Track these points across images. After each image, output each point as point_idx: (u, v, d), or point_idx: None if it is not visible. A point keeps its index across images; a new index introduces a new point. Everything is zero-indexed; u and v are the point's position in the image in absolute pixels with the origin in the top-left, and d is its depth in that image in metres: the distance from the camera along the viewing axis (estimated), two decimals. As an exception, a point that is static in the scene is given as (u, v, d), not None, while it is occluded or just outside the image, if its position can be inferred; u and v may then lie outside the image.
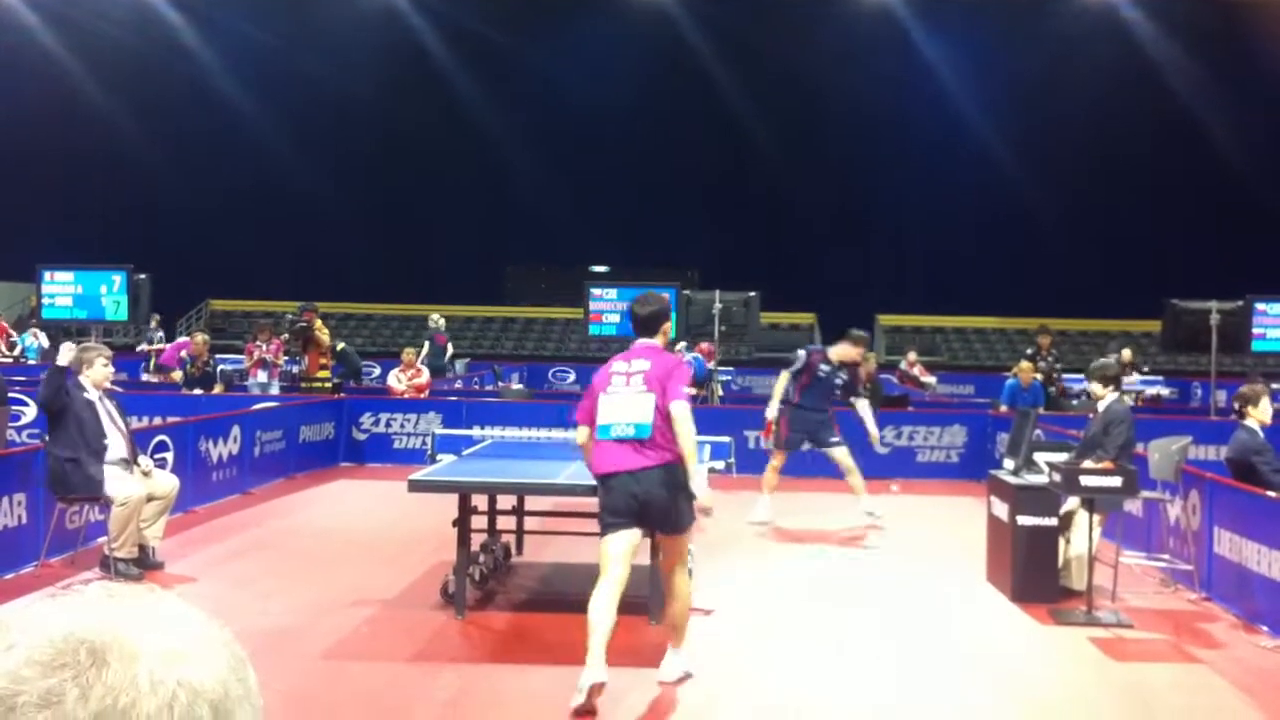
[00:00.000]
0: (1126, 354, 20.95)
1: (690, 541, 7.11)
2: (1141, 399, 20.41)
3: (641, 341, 7.05)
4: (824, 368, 12.75)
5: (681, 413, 6.64)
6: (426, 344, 22.34)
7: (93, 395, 9.44)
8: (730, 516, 11.72)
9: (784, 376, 12.94)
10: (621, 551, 6.72)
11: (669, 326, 7.18)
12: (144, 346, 22.94)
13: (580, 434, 7.06)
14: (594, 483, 7.22)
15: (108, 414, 9.49)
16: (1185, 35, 31.82)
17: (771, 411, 12.83)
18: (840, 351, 13.07)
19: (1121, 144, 31.87)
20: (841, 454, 12.76)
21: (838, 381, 12.83)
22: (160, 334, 22.58)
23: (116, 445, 9.46)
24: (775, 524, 12.37)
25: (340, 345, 20.78)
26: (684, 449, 6.68)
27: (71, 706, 0.89)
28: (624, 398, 6.76)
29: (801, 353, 13.10)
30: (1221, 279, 21.30)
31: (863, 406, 13.01)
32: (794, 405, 12.74)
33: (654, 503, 6.68)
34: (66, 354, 9.36)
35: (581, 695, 6.33)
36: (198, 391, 17.27)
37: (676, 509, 6.75)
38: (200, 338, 18.42)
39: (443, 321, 23.96)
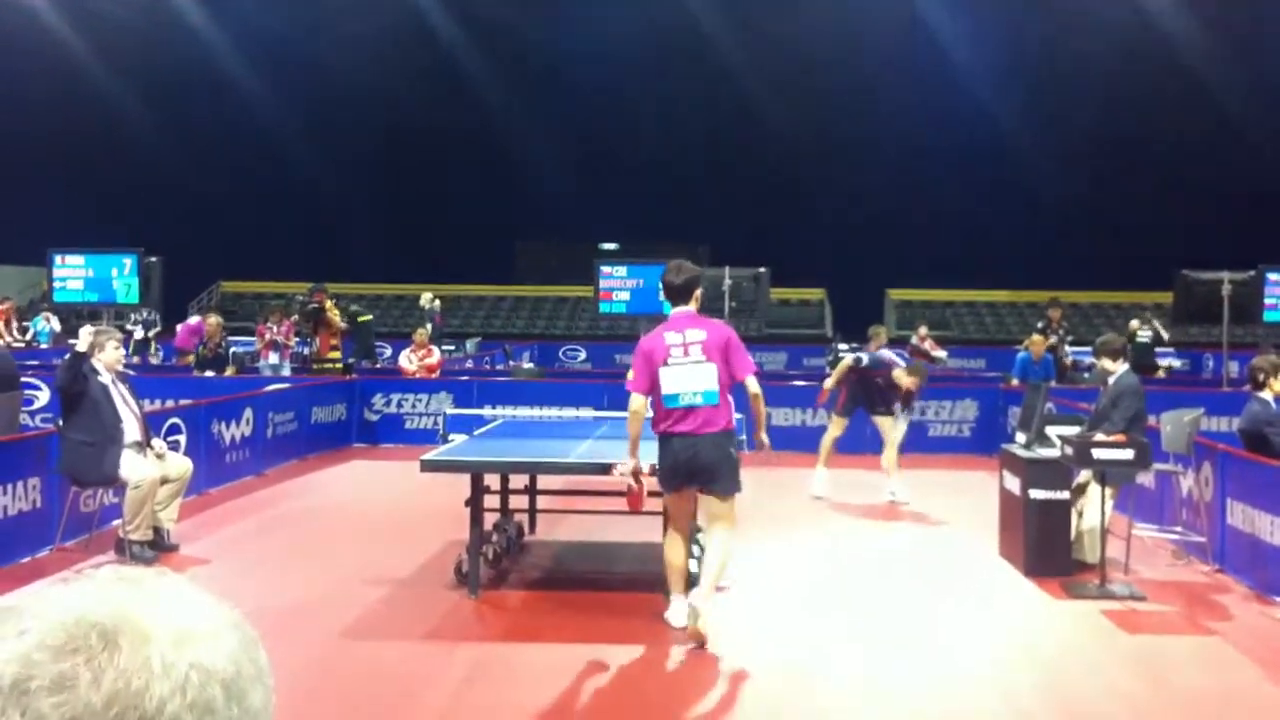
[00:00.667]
0: (1134, 324, 20.90)
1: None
2: (1168, 371, 20.40)
3: (680, 310, 7.38)
4: (879, 381, 12.71)
5: (756, 387, 7.34)
6: (429, 326, 22.25)
7: (106, 379, 9.46)
8: (745, 493, 11.72)
9: (849, 361, 12.91)
10: (685, 509, 7.50)
11: (700, 292, 7.48)
12: (131, 328, 23.02)
13: (638, 401, 7.35)
14: (605, 462, 7.79)
15: (120, 397, 9.50)
16: (1196, 4, 31.60)
17: (829, 382, 13.11)
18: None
19: (1132, 115, 31.74)
20: (889, 423, 12.72)
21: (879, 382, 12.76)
22: (155, 316, 22.14)
23: (130, 428, 9.49)
24: (832, 498, 12.54)
25: (366, 317, 20.81)
26: (759, 416, 7.43)
27: (84, 690, 0.90)
28: (688, 369, 7.18)
29: (867, 359, 12.86)
30: (1233, 249, 21.22)
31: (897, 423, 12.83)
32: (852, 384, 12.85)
33: (705, 463, 7.15)
34: (85, 338, 9.38)
35: (683, 621, 7.29)
36: (209, 373, 17.32)
37: (725, 472, 7.23)
38: (214, 320, 18.45)
39: (438, 302, 23.73)
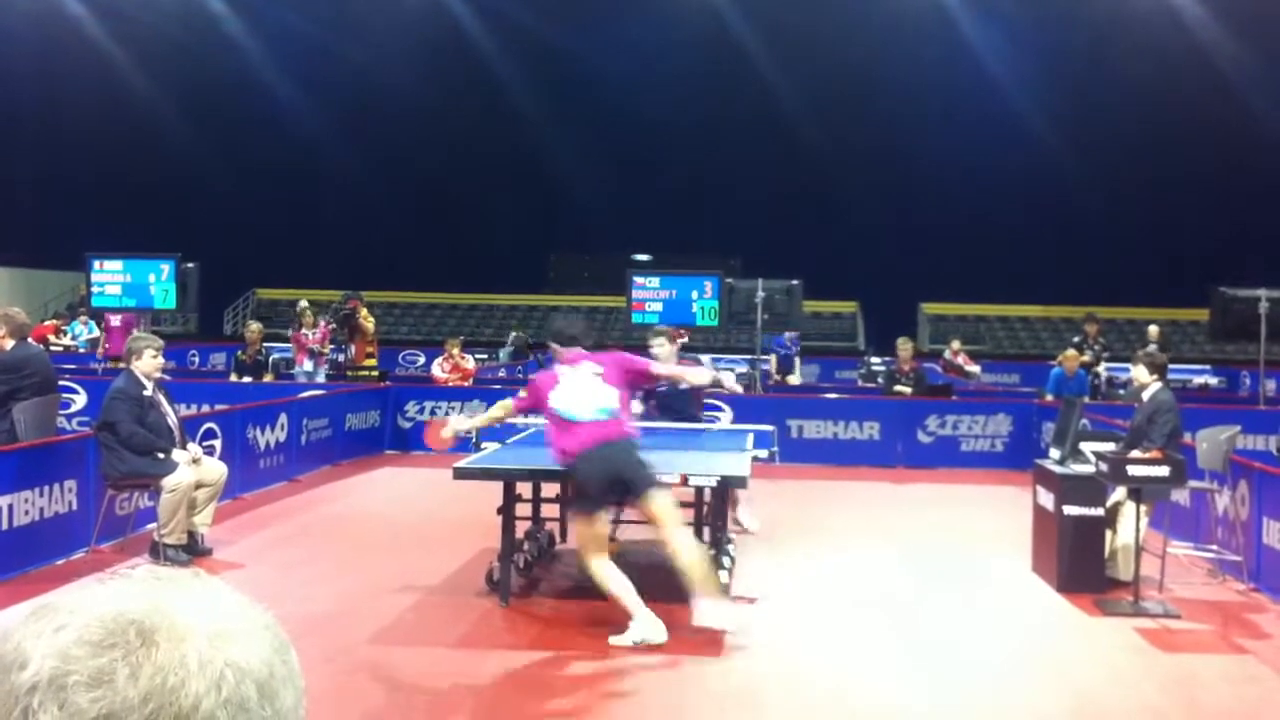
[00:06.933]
0: (1153, 330, 20.79)
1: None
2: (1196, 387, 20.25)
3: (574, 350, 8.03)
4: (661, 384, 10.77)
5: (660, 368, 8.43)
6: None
7: (149, 388, 9.49)
8: (776, 505, 11.72)
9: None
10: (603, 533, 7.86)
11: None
12: (69, 342, 23.16)
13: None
14: None
15: (158, 405, 9.56)
16: (1233, 17, 31.37)
17: None
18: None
19: (1169, 128, 31.48)
20: None
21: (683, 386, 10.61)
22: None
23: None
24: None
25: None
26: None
27: (122, 685, 0.91)
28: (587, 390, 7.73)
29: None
30: (1271, 265, 21.02)
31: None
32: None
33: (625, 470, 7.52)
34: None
35: (664, 635, 7.36)
36: (248, 379, 17.43)
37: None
38: (254, 326, 18.58)
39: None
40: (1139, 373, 9.80)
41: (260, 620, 1.02)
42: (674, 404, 10.70)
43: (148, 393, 9.46)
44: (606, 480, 7.47)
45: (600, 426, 7.55)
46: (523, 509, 9.03)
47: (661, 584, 9.07)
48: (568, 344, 8.10)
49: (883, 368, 19.70)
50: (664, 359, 9.90)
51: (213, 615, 0.98)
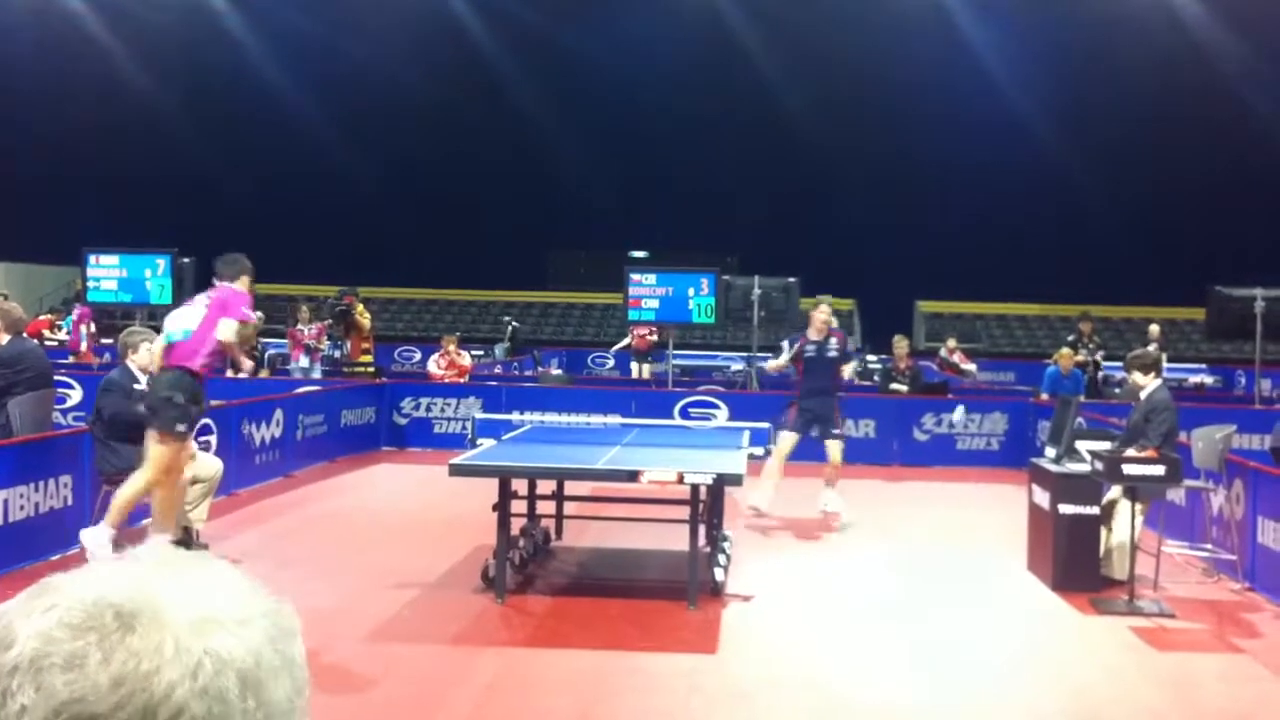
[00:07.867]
0: (1154, 329, 20.77)
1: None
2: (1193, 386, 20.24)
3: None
4: (809, 347, 12.15)
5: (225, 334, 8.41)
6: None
7: (142, 382, 9.48)
8: (773, 503, 11.71)
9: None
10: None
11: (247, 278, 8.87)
12: (64, 336, 23.14)
13: None
14: (632, 469, 7.72)
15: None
16: (1233, 16, 31.37)
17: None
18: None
19: (1167, 128, 31.50)
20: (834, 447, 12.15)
21: (831, 354, 12.19)
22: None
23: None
24: (771, 514, 11.85)
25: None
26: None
27: (93, 670, 0.90)
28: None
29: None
30: (1267, 265, 21.03)
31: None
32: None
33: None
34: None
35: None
36: (243, 375, 17.39)
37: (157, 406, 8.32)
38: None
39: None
40: (1135, 378, 9.79)
41: (259, 608, 1.00)
42: (818, 368, 11.99)
43: (139, 386, 9.44)
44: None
45: (169, 350, 8.23)
46: (518, 505, 9.02)
47: (657, 584, 9.08)
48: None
49: (879, 365, 19.69)
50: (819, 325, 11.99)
51: (203, 602, 0.96)
